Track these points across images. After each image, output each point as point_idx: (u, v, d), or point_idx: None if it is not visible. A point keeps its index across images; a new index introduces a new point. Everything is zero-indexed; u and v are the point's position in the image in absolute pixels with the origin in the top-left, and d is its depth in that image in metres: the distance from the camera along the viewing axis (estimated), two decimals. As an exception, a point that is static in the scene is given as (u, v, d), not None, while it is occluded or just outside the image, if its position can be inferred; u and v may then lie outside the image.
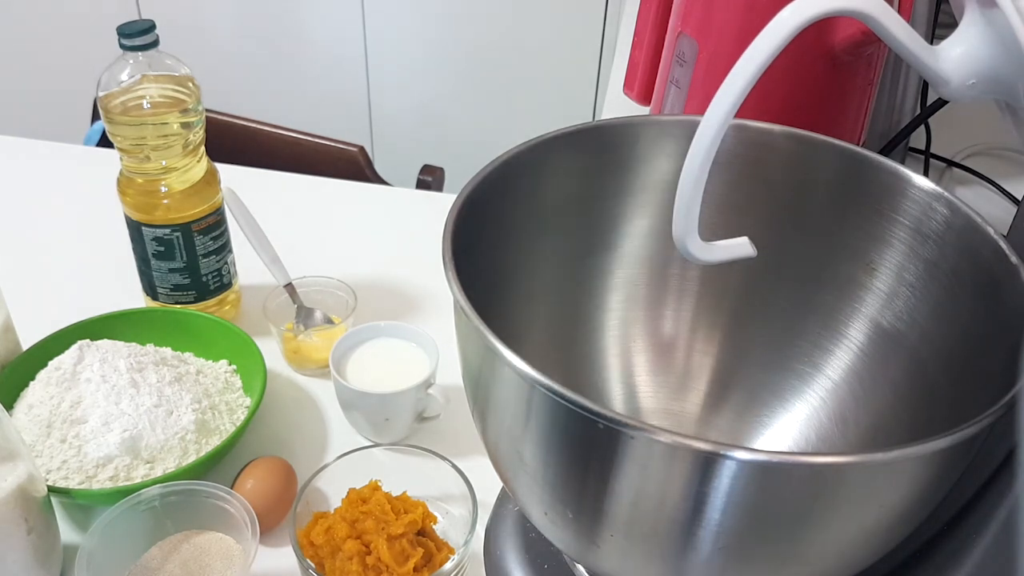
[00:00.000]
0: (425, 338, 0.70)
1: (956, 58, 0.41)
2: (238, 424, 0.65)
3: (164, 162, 0.70)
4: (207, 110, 0.75)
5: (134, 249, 0.75)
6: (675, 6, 0.76)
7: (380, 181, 1.22)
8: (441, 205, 0.50)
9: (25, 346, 0.70)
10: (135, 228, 0.73)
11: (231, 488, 0.60)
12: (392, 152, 2.15)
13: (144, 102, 0.69)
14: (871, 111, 0.75)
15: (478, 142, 2.09)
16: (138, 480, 0.61)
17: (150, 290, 0.77)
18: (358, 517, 0.57)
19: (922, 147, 0.92)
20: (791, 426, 0.56)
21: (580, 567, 0.56)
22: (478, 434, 0.48)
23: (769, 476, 0.36)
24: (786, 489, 0.36)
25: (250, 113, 1.29)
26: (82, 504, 0.62)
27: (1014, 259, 0.43)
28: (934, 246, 0.49)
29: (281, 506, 0.61)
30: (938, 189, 0.48)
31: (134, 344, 0.69)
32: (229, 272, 0.78)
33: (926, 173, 0.92)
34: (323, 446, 0.69)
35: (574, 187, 0.55)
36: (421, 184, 1.28)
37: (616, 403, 0.59)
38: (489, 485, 0.60)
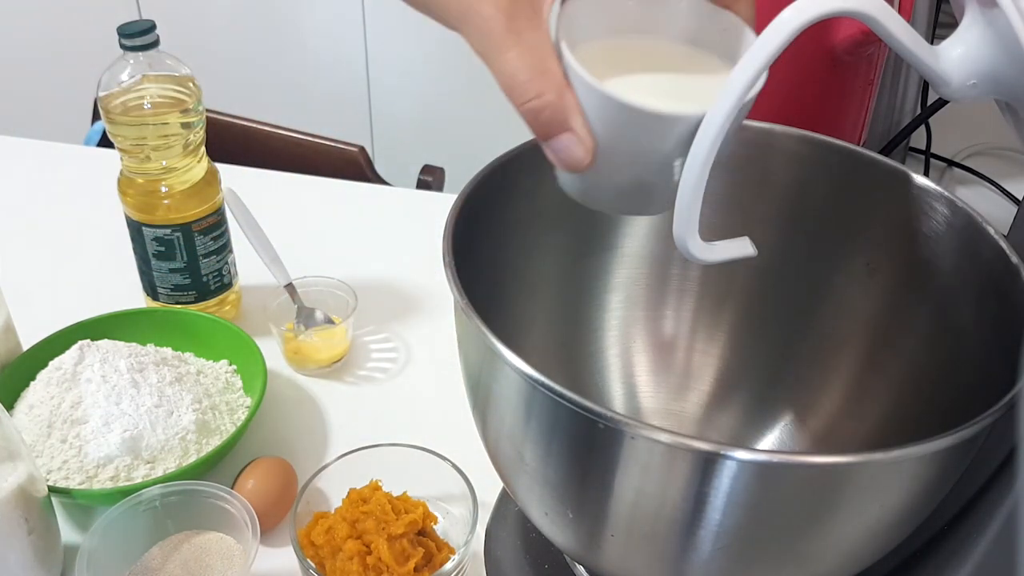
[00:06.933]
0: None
1: (956, 58, 0.41)
2: (238, 424, 0.65)
3: (164, 162, 0.70)
4: (207, 110, 0.75)
5: (134, 249, 0.75)
6: (675, 6, 0.76)
7: (380, 181, 1.22)
8: (441, 205, 0.50)
9: (25, 346, 0.70)
10: (135, 228, 0.73)
11: (231, 488, 0.60)
12: (392, 152, 2.15)
13: (145, 102, 0.69)
14: (871, 111, 0.75)
15: (478, 142, 2.09)
16: (139, 480, 0.61)
17: (150, 290, 0.77)
18: (359, 517, 0.57)
19: (922, 147, 0.92)
20: (792, 426, 0.56)
21: (580, 567, 0.56)
22: (478, 434, 0.48)
23: (769, 476, 0.36)
24: (786, 489, 0.36)
25: (250, 113, 1.29)
26: (82, 504, 0.62)
27: (1014, 259, 0.43)
28: (934, 246, 0.49)
29: (281, 506, 0.61)
30: (938, 189, 0.48)
31: (134, 344, 0.69)
32: (229, 272, 0.78)
33: (926, 173, 0.92)
34: (323, 446, 0.69)
35: (574, 187, 0.55)
36: (421, 184, 1.28)
37: (616, 403, 0.59)
38: (489, 485, 0.60)
